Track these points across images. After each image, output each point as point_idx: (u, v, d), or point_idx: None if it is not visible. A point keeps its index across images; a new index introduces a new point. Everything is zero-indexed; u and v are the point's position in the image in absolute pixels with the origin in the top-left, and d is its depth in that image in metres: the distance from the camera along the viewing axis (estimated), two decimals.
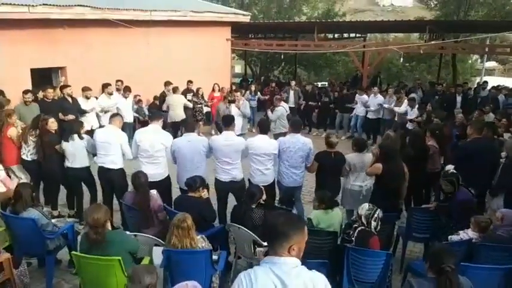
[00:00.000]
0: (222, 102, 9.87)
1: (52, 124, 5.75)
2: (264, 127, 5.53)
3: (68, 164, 5.57)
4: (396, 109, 10.10)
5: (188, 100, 10.49)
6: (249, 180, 5.41)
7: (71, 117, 7.47)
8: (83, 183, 5.82)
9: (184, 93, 10.59)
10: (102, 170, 5.42)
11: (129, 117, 9.45)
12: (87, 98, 8.44)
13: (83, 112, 8.20)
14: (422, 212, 4.93)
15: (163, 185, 5.33)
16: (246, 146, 5.24)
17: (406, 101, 10.17)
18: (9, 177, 5.54)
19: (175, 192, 5.40)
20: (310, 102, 12.21)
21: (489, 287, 3.38)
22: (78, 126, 5.69)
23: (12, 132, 5.84)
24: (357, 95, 11.31)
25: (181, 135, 6.35)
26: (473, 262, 3.62)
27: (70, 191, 5.99)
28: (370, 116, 10.85)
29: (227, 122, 5.36)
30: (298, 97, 12.23)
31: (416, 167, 5.31)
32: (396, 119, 10.30)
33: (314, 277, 2.03)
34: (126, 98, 9.39)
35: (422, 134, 6.09)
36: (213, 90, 11.68)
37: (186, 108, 10.26)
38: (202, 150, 5.19)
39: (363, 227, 3.91)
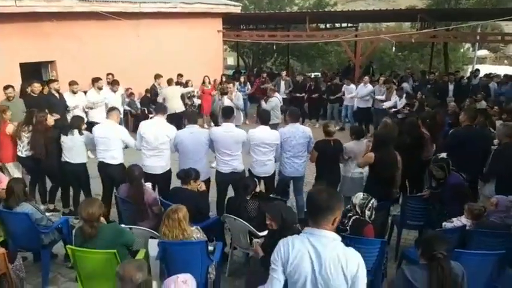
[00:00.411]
0: (215, 94, 9.81)
1: (50, 120, 5.72)
2: (264, 118, 5.54)
3: (65, 158, 5.51)
4: (386, 104, 10.12)
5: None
6: (249, 171, 5.40)
7: (56, 116, 7.04)
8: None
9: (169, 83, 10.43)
10: (102, 165, 5.36)
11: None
12: (74, 92, 8.19)
13: (69, 109, 7.92)
14: (416, 200, 4.97)
15: (165, 178, 5.33)
16: (248, 138, 5.22)
17: (394, 93, 10.21)
18: (3, 173, 5.49)
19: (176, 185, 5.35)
20: (297, 94, 12.13)
21: (482, 272, 3.42)
22: (79, 121, 5.63)
23: (10, 128, 5.73)
24: (344, 85, 11.39)
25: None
26: (467, 249, 3.65)
27: (65, 187, 5.91)
28: (361, 105, 10.88)
29: (227, 113, 5.35)
30: (288, 88, 12.23)
31: (411, 155, 5.34)
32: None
33: (348, 253, 2.15)
34: (114, 92, 9.10)
35: (417, 123, 6.11)
36: (204, 82, 11.57)
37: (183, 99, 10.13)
38: (204, 142, 5.16)
39: (357, 216, 3.93)
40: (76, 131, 5.43)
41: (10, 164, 5.87)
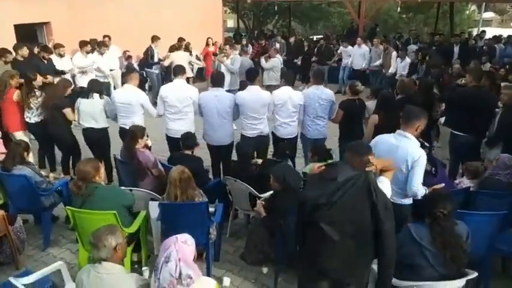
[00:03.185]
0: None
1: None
2: (288, 78, 5.41)
3: (86, 124, 5.32)
4: (389, 71, 9.97)
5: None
6: (272, 133, 5.33)
7: (49, 78, 6.83)
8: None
9: (173, 49, 10.16)
10: (124, 131, 5.11)
11: (106, 76, 8.81)
12: (61, 55, 7.89)
13: (58, 72, 7.50)
14: None
15: None
16: (272, 100, 5.12)
17: (394, 55, 10.02)
18: (11, 141, 5.26)
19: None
20: (285, 57, 11.89)
21: (483, 233, 3.41)
22: (98, 84, 5.47)
23: (17, 96, 5.46)
24: (341, 47, 11.25)
25: None
26: (470, 210, 3.62)
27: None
28: (356, 67, 10.70)
29: (252, 76, 5.23)
30: (282, 50, 12.03)
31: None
32: (383, 71, 10.24)
33: (415, 152, 3.19)
34: (102, 54, 8.68)
35: (432, 84, 6.02)
36: (207, 44, 11.27)
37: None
38: (228, 106, 5.02)
39: None
40: (97, 95, 5.25)
41: (20, 133, 5.60)
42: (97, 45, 8.70)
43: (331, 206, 2.32)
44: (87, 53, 8.30)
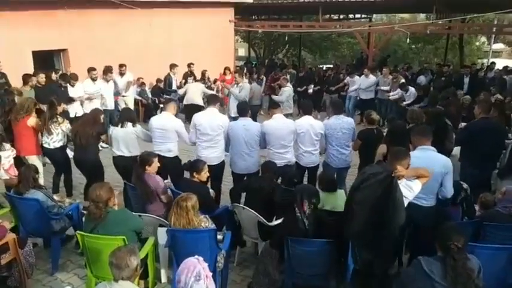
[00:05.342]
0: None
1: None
2: (307, 108, 5.53)
3: (117, 152, 5.40)
4: (391, 96, 10.03)
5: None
6: (296, 162, 5.35)
7: (63, 106, 6.79)
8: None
9: (185, 76, 10.44)
10: (158, 157, 5.04)
11: (110, 103, 8.73)
12: (93, 79, 8.22)
13: (70, 100, 7.72)
14: None
15: (220, 168, 5.31)
16: (295, 128, 5.21)
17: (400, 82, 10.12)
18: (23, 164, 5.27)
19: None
20: (298, 88, 12.01)
21: (494, 267, 3.34)
22: (133, 113, 5.65)
23: (33, 121, 5.57)
24: (347, 77, 11.37)
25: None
26: (479, 242, 3.57)
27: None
28: (363, 96, 10.78)
29: (274, 104, 5.41)
30: (292, 81, 12.21)
31: (434, 144, 5.23)
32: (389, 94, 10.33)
33: (437, 160, 3.77)
34: (107, 81, 8.64)
35: (442, 112, 6.09)
36: (224, 73, 11.49)
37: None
38: (256, 135, 5.13)
39: None
40: (130, 124, 5.37)
41: (34, 157, 5.64)
42: (103, 72, 8.73)
43: (359, 190, 3.17)
44: (93, 79, 8.39)
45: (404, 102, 9.55)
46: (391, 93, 10.06)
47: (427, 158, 3.73)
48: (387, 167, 3.22)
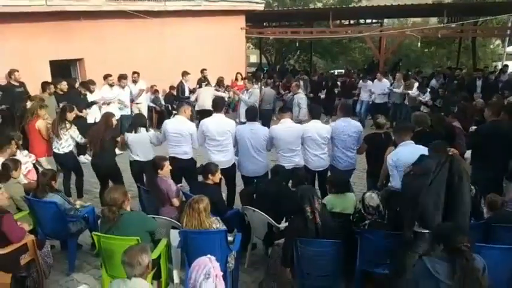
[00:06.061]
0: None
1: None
2: (316, 112, 5.61)
3: (133, 157, 5.56)
4: (410, 92, 10.08)
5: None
6: (305, 166, 5.41)
7: (84, 112, 7.56)
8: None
9: (199, 82, 10.64)
10: (174, 160, 5.22)
11: (127, 108, 9.01)
12: (91, 91, 8.33)
13: (89, 105, 8.06)
14: None
15: (232, 172, 5.42)
16: (303, 132, 5.30)
17: (416, 85, 10.16)
18: (37, 169, 5.62)
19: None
20: (311, 94, 12.14)
21: (503, 267, 3.35)
22: (144, 119, 5.78)
23: (41, 124, 5.90)
24: (360, 81, 11.43)
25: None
26: (488, 243, 3.58)
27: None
28: (377, 100, 10.80)
29: (283, 109, 5.53)
30: (306, 87, 12.29)
31: None
32: (407, 103, 10.28)
33: (418, 150, 3.93)
34: (123, 88, 8.93)
35: (443, 116, 6.05)
36: (236, 79, 11.75)
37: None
38: (263, 139, 5.23)
39: (373, 219, 3.91)
40: (143, 129, 5.53)
41: (42, 159, 6.03)
42: (117, 79, 8.94)
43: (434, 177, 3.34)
44: (110, 85, 8.69)
45: (422, 97, 9.62)
46: (410, 91, 10.09)
47: (409, 151, 4.16)
48: (439, 155, 3.45)
